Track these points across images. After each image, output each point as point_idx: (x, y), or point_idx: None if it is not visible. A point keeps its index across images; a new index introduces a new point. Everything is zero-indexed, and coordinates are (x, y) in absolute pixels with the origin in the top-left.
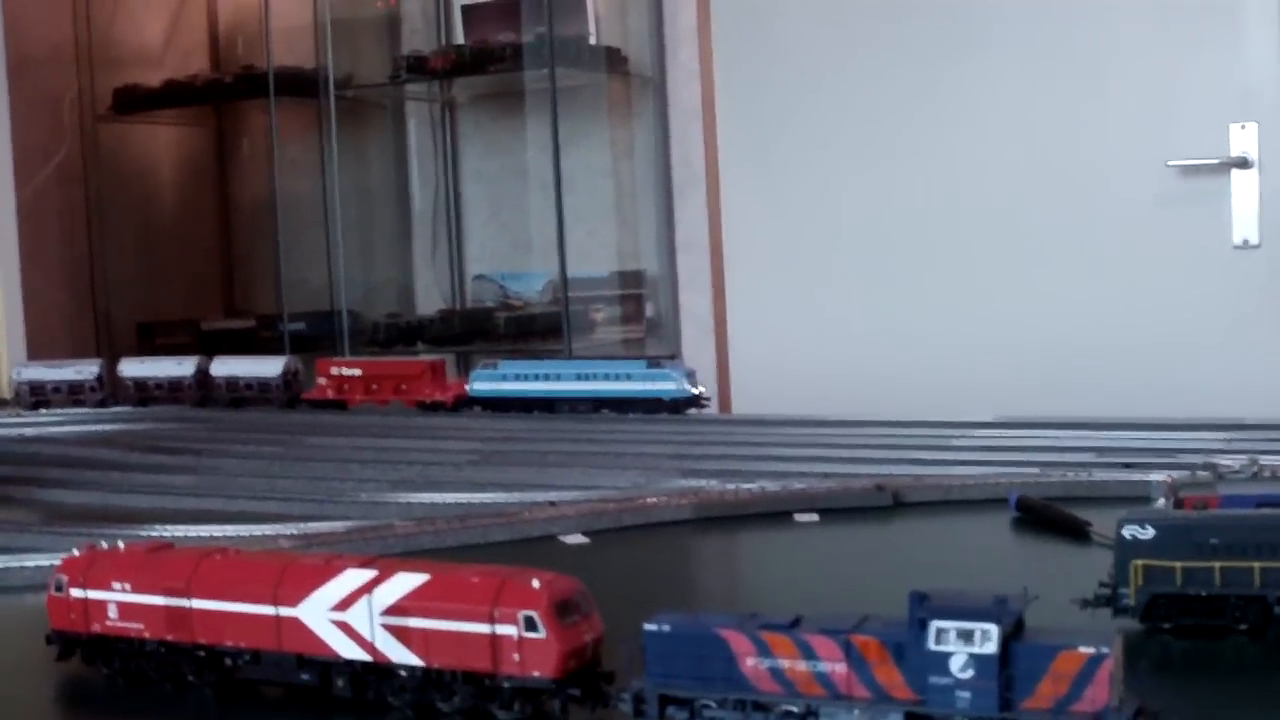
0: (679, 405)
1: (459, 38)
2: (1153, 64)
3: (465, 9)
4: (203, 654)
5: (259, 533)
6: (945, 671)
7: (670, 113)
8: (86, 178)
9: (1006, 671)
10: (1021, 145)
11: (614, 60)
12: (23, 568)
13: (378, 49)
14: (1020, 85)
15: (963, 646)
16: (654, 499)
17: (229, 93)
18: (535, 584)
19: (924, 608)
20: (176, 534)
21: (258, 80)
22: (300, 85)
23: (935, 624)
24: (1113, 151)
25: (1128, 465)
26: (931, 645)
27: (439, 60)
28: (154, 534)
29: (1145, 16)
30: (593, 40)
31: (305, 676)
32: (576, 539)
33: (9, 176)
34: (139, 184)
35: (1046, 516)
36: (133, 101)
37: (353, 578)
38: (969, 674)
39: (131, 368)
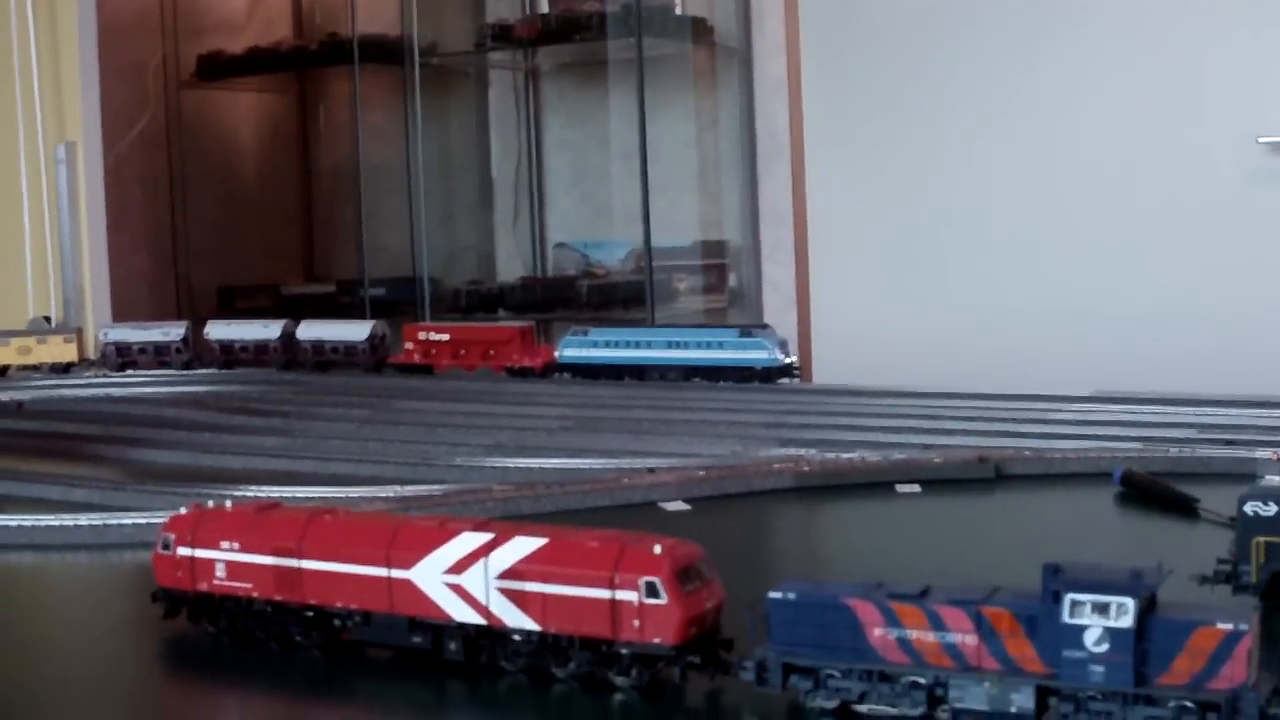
0: (771, 374)
1: (544, 6)
2: (1245, 41)
3: None
4: (311, 615)
5: (355, 495)
6: (1079, 645)
7: (755, 84)
8: (170, 143)
9: (1142, 646)
10: (1113, 120)
11: (700, 30)
12: (121, 525)
13: (462, 17)
14: (1112, 60)
15: (1098, 620)
16: (755, 467)
17: (313, 60)
18: (657, 549)
19: (1059, 579)
20: (272, 494)
21: (342, 47)
22: (384, 53)
23: (1070, 596)
24: (1205, 127)
25: (1230, 442)
26: (1066, 618)
27: (524, 28)
28: (249, 494)
29: None
30: (679, 10)
31: (417, 639)
32: (677, 505)
33: (98, 143)
34: (221, 150)
35: (1153, 492)
36: (216, 68)
37: (469, 540)
38: (1104, 648)
39: (218, 330)
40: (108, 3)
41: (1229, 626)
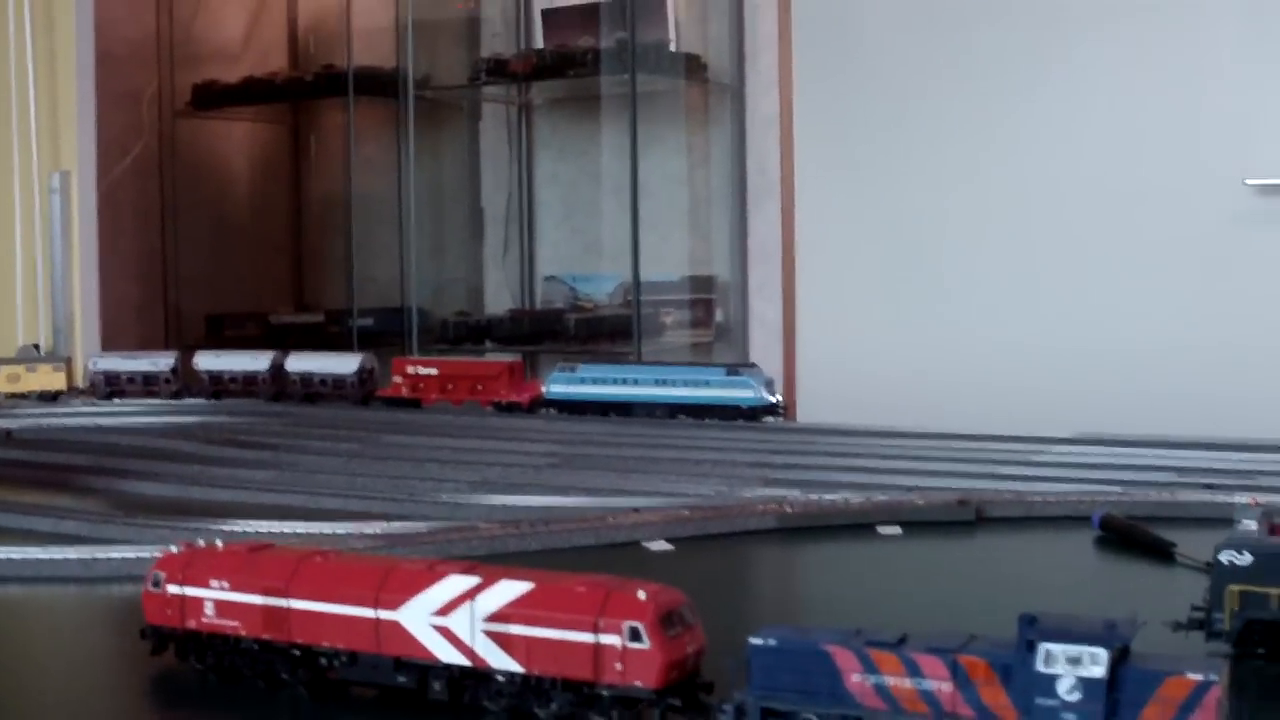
0: (756, 413)
1: (539, 41)
2: (1235, 82)
3: (545, 13)
4: (298, 653)
5: (343, 530)
6: (1052, 694)
7: (747, 121)
8: (162, 172)
9: (1113, 696)
10: (1100, 159)
11: (693, 67)
12: (109, 559)
13: (456, 51)
14: (1101, 99)
15: (1071, 670)
16: (738, 507)
17: (308, 91)
18: (641, 595)
19: (1033, 629)
20: (260, 529)
21: (337, 79)
22: (379, 85)
23: (1044, 646)
24: (1193, 168)
25: (1209, 486)
26: (1039, 667)
27: (519, 63)
28: (237, 529)
29: (1229, 34)
30: (672, 46)
31: (402, 679)
32: (660, 545)
33: (91, 171)
34: (214, 179)
35: (1131, 536)
36: (211, 97)
37: (456, 583)
38: (1076, 697)
39: (207, 360)
40: (105, 31)
41: (1199, 677)
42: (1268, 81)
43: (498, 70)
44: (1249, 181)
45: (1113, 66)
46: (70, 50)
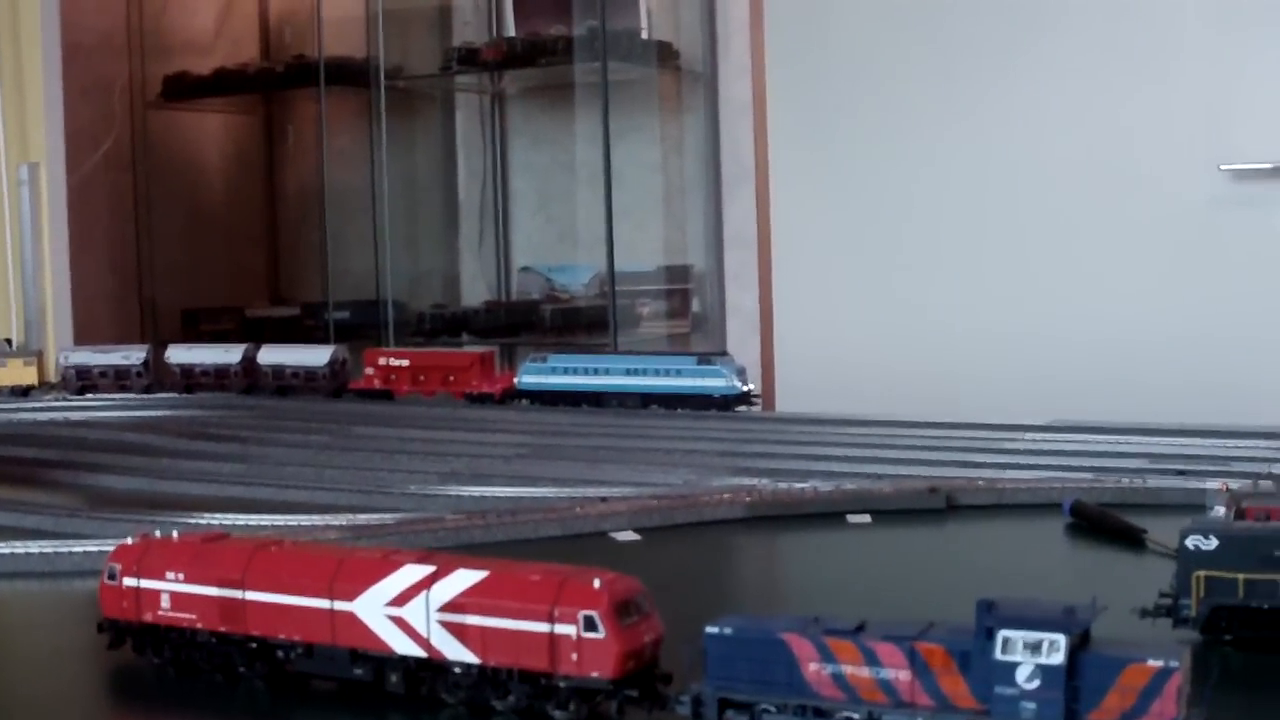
0: (729, 402)
1: (510, 29)
2: (1209, 67)
3: (516, 1)
4: (255, 646)
5: (308, 522)
6: (1011, 682)
7: (721, 108)
8: (135, 164)
9: (1073, 683)
10: (1075, 145)
11: (665, 54)
12: (71, 553)
13: (428, 40)
14: (1075, 84)
15: (1030, 657)
16: (706, 497)
17: (279, 81)
18: (596, 584)
19: (991, 616)
20: (225, 522)
21: (308, 69)
22: (351, 75)
23: (1003, 633)
24: (1166, 153)
25: (1181, 472)
26: (998, 655)
27: (490, 52)
28: (202, 522)
29: (1202, 19)
30: (644, 34)
31: (359, 671)
32: (628, 535)
33: (61, 164)
34: (187, 171)
35: (1101, 523)
36: (182, 89)
37: (410, 573)
38: (1035, 685)
39: (178, 354)
40: (72, 22)
41: (1159, 663)
42: (1241, 66)
43: (469, 59)
44: (1223, 166)
45: (1087, 51)
46: (36, 40)
